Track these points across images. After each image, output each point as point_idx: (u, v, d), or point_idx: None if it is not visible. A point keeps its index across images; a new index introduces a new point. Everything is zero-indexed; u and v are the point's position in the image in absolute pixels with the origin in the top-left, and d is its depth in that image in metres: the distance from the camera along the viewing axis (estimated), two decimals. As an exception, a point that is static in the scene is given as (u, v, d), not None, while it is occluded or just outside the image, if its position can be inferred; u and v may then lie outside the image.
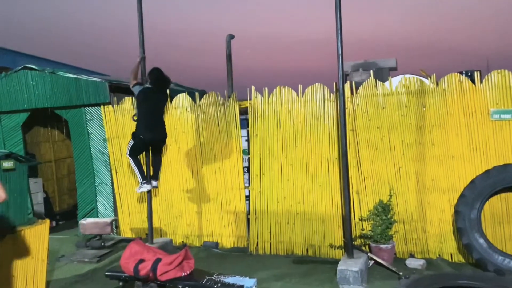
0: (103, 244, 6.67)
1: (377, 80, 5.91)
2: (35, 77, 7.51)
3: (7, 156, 4.43)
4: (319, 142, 6.12)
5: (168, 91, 6.21)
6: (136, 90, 5.63)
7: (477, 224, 5.11)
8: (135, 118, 5.72)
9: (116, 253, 6.52)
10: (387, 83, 5.87)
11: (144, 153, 5.94)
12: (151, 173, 5.95)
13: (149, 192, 6.10)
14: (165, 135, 5.82)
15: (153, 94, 5.60)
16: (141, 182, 5.78)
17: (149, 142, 5.71)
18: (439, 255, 5.64)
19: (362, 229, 5.85)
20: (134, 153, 5.69)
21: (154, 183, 5.94)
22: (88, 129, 7.46)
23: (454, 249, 5.57)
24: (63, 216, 9.05)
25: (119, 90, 7.40)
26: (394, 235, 5.69)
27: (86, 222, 6.72)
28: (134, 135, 5.60)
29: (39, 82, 7.48)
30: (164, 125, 5.83)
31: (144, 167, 5.90)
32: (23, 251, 4.41)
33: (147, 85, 5.64)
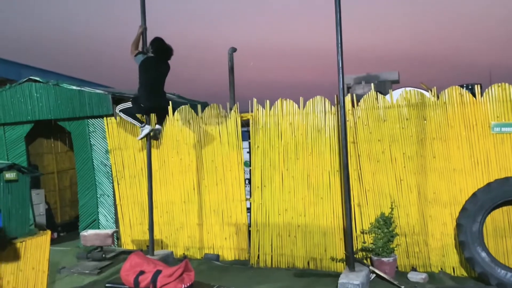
0: (104, 256, 6.66)
1: (378, 93, 5.94)
2: (39, 89, 7.59)
3: (10, 167, 4.45)
4: (321, 154, 6.13)
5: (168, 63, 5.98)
6: (138, 59, 5.64)
7: (479, 238, 5.09)
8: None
9: (117, 265, 6.49)
10: (387, 96, 5.90)
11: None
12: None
13: (150, 204, 6.10)
14: (166, 104, 5.83)
15: (156, 63, 5.63)
16: (141, 126, 5.80)
17: (148, 110, 5.76)
18: (441, 268, 5.60)
19: (364, 242, 5.82)
20: (126, 113, 5.76)
21: (157, 126, 5.94)
22: (90, 141, 7.50)
23: (457, 262, 5.53)
24: (64, 228, 9.05)
25: (122, 102, 7.44)
26: (396, 248, 5.66)
27: (88, 233, 6.72)
28: (134, 101, 5.64)
29: (43, 94, 7.55)
30: (165, 94, 5.82)
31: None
32: (24, 262, 4.41)
33: (150, 54, 5.66)
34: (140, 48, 5.83)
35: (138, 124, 5.82)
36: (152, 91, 5.61)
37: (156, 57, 5.64)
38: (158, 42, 5.67)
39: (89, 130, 7.49)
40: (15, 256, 4.37)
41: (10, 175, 4.39)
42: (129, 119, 5.83)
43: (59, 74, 12.19)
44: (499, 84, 5.29)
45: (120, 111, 5.78)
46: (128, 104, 5.69)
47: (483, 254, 5.02)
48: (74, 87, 7.44)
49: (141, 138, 5.95)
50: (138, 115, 6.02)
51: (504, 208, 5.29)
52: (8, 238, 4.32)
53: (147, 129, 5.78)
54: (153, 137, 5.98)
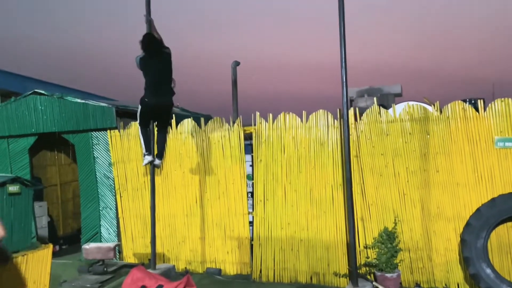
0: (105, 269, 6.62)
1: (380, 107, 5.95)
2: (44, 102, 7.64)
3: (13, 180, 4.48)
4: (323, 168, 6.12)
5: (167, 51, 5.78)
6: (136, 60, 5.66)
7: (484, 254, 5.04)
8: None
9: (118, 278, 6.45)
10: (390, 110, 5.91)
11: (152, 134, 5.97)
12: (156, 152, 5.97)
13: (152, 217, 6.08)
14: (170, 99, 5.75)
15: (149, 61, 5.59)
16: (144, 154, 5.83)
17: (154, 107, 5.69)
18: (445, 284, 5.54)
19: (367, 257, 5.77)
20: (142, 120, 5.77)
21: (157, 161, 5.96)
22: (94, 153, 7.52)
23: (461, 278, 5.47)
24: (66, 240, 9.01)
25: (125, 115, 7.49)
26: (399, 264, 5.60)
27: (89, 247, 6.69)
28: (141, 100, 5.69)
29: (48, 106, 7.60)
30: (169, 89, 5.73)
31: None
32: (25, 275, 4.40)
33: (142, 54, 5.64)
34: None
35: (143, 150, 5.86)
36: (155, 89, 5.61)
37: (149, 53, 5.61)
38: (143, 39, 5.62)
39: (92, 142, 7.52)
40: (16, 269, 4.36)
41: (13, 188, 4.42)
42: (141, 140, 5.87)
43: (63, 87, 12.29)
44: (502, 99, 5.30)
45: (139, 124, 5.83)
46: (139, 108, 5.74)
47: (488, 271, 4.97)
48: (79, 100, 7.49)
49: (144, 165, 6.06)
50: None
51: (509, 224, 5.25)
52: (10, 252, 4.31)
53: (147, 159, 5.84)
54: (155, 166, 6.07)
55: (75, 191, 9.77)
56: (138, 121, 5.80)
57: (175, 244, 7.05)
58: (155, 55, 5.61)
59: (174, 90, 5.81)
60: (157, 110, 5.77)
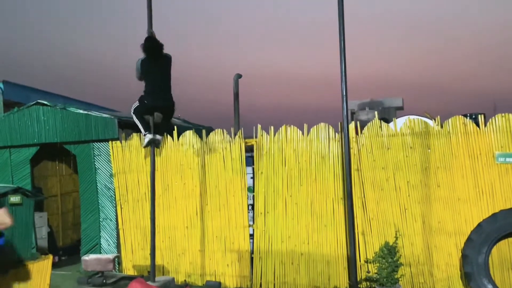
0: (104, 281, 6.59)
1: (381, 121, 5.98)
2: (47, 113, 7.68)
3: (15, 191, 4.49)
4: (324, 181, 6.12)
5: (168, 56, 5.86)
6: (137, 64, 5.71)
7: (485, 269, 5.01)
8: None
9: (117, 290, 6.42)
10: (391, 124, 5.93)
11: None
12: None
13: (152, 229, 6.07)
14: (169, 102, 5.79)
15: (150, 63, 5.65)
16: (144, 134, 5.84)
17: (152, 108, 5.76)
18: (447, 300, 5.50)
19: (368, 272, 5.74)
20: (137, 113, 5.85)
21: (158, 136, 5.94)
22: (95, 164, 7.54)
23: (463, 294, 5.43)
24: (66, 251, 8.97)
25: (127, 126, 7.52)
26: (400, 279, 5.57)
27: (89, 258, 6.67)
28: (140, 100, 5.74)
29: (50, 117, 7.64)
30: (169, 92, 5.78)
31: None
32: (24, 286, 4.38)
33: (143, 57, 5.69)
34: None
35: (142, 131, 5.91)
36: (154, 91, 5.68)
37: (150, 57, 5.67)
38: (145, 42, 5.69)
39: (94, 153, 7.53)
40: (16, 280, 4.35)
41: (14, 198, 4.43)
42: (138, 123, 5.92)
43: (66, 97, 12.36)
44: (503, 114, 5.32)
45: (133, 112, 5.89)
46: (136, 104, 5.84)
47: (490, 286, 4.95)
48: (81, 111, 7.53)
49: (145, 146, 6.04)
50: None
51: (510, 239, 5.23)
52: (10, 262, 4.31)
53: (147, 138, 5.86)
54: (155, 144, 6.03)
55: (75, 202, 9.76)
56: (132, 111, 5.85)
57: (175, 256, 7.01)
58: (156, 58, 5.69)
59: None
60: (157, 110, 5.82)
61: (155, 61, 5.69)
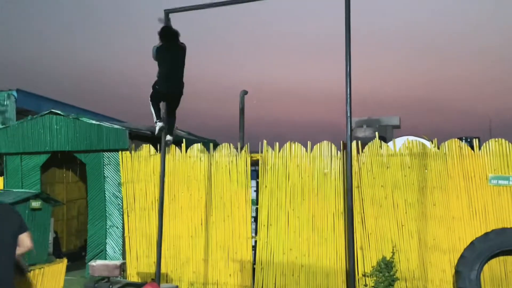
0: (110, 286, 6.78)
1: (382, 141, 6.29)
2: (60, 122, 7.95)
3: (36, 196, 4.74)
4: (326, 196, 6.41)
5: (183, 45, 6.08)
6: (153, 50, 5.95)
7: (477, 285, 5.28)
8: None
9: (123, 296, 6.61)
10: (390, 144, 6.25)
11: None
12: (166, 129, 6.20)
13: (160, 237, 6.30)
14: (179, 89, 6.01)
15: (165, 52, 5.88)
16: (155, 121, 6.05)
17: (164, 94, 5.99)
18: (440, 314, 5.75)
19: (366, 285, 5.99)
20: (153, 100, 6.05)
21: (168, 137, 6.17)
22: (104, 173, 7.79)
23: (455, 309, 5.69)
24: (69, 257, 9.08)
25: (137, 137, 7.80)
26: (396, 292, 5.83)
27: (96, 264, 6.87)
28: (153, 85, 5.99)
29: (63, 126, 7.91)
30: (179, 79, 5.99)
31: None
32: (40, 288, 4.60)
33: (159, 44, 5.92)
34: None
35: (154, 118, 6.14)
36: (167, 79, 5.92)
37: (165, 44, 5.91)
38: (162, 31, 5.93)
39: (104, 162, 7.79)
40: (32, 282, 4.57)
41: (35, 203, 4.69)
42: (152, 110, 6.12)
43: (78, 108, 12.65)
44: (496, 139, 5.66)
45: (150, 98, 6.08)
46: (152, 91, 6.07)
47: (481, 302, 5.20)
48: (93, 122, 7.81)
49: (158, 134, 6.18)
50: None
51: (501, 257, 5.51)
52: (27, 264, 4.53)
53: (158, 125, 6.07)
54: (166, 144, 6.23)
55: (80, 208, 9.99)
56: (149, 98, 6.08)
57: (179, 265, 7.24)
58: (171, 47, 5.94)
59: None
60: (167, 98, 6.10)
61: (169, 49, 5.93)
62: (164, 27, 6.01)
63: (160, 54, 5.94)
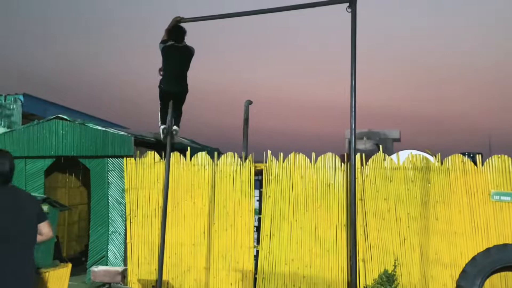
0: (111, 293, 6.79)
1: (385, 155, 6.36)
2: (66, 127, 8.01)
3: (43, 200, 4.78)
4: (329, 208, 6.46)
5: (191, 48, 6.23)
6: (160, 47, 6.07)
7: (479, 301, 5.31)
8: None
9: (124, 303, 6.62)
10: (394, 157, 6.32)
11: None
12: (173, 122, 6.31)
13: (162, 244, 6.34)
14: (182, 89, 6.13)
15: (173, 51, 6.01)
16: (160, 126, 6.20)
17: (168, 92, 6.11)
18: (441, 329, 5.77)
19: (367, 297, 6.02)
20: (161, 99, 6.20)
21: (174, 126, 6.26)
22: (108, 179, 7.83)
23: (456, 324, 5.71)
24: (69, 262, 9.14)
25: (142, 144, 7.87)
26: (397, 306, 5.85)
27: (98, 269, 6.88)
28: (159, 84, 6.12)
29: (69, 131, 7.97)
30: (183, 79, 6.12)
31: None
32: (45, 293, 4.63)
33: (168, 43, 6.03)
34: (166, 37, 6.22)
35: (159, 122, 6.26)
36: (170, 79, 6.05)
37: (175, 44, 6.04)
38: (172, 29, 6.06)
39: (108, 168, 7.84)
40: (38, 286, 4.60)
41: (43, 208, 4.71)
42: (159, 112, 6.28)
43: (83, 113, 12.74)
44: (499, 155, 5.73)
45: (159, 98, 6.22)
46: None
47: (482, 317, 5.23)
48: (99, 128, 7.87)
49: (164, 139, 6.28)
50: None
51: (502, 273, 5.55)
52: (35, 268, 4.57)
53: (161, 128, 6.22)
54: (171, 135, 6.29)
55: (81, 214, 10.00)
56: (159, 99, 6.24)
57: (180, 273, 7.25)
58: (179, 48, 6.07)
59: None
60: (171, 96, 6.20)
61: (178, 50, 6.06)
62: (176, 27, 6.11)
63: (168, 52, 6.06)
